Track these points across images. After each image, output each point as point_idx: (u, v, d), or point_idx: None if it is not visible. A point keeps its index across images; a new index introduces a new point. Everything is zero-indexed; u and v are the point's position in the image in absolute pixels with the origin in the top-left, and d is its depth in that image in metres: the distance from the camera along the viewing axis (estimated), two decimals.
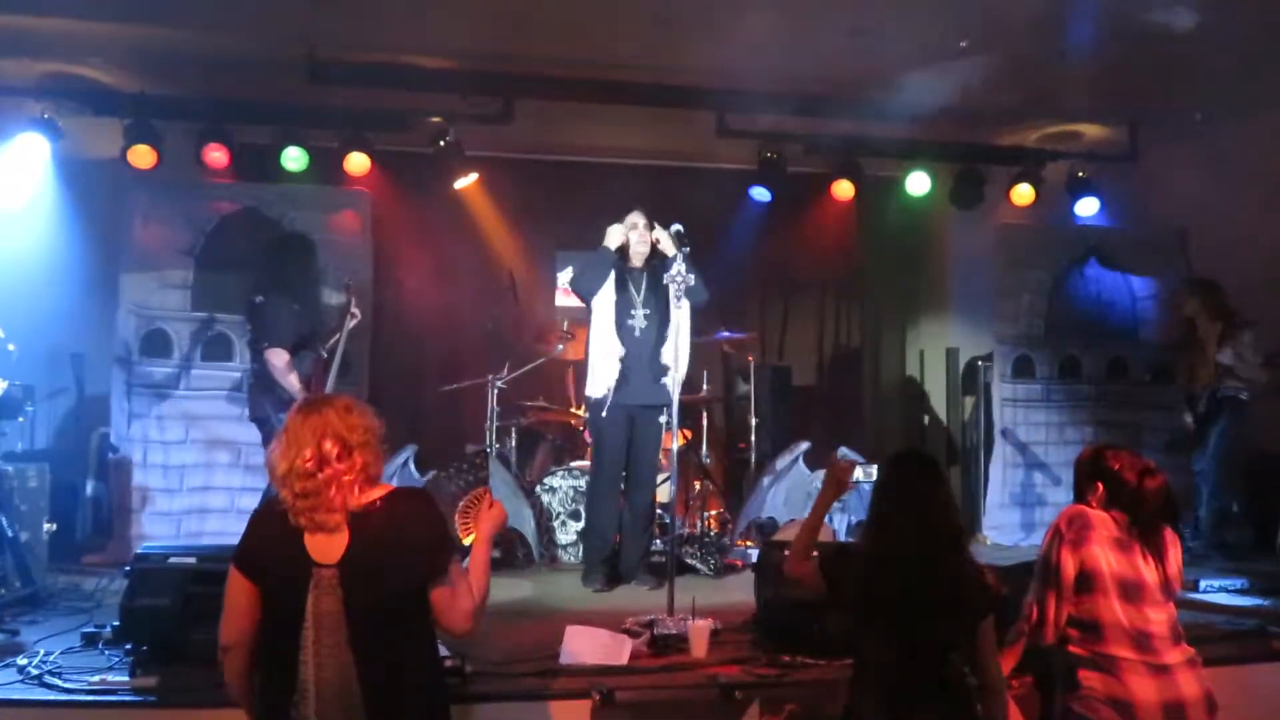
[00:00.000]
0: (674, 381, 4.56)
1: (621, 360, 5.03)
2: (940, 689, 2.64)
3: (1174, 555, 3.06)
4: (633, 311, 5.09)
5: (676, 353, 4.58)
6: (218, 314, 6.08)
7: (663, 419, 4.86)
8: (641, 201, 5.30)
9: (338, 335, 5.29)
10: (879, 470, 3.00)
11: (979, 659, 2.70)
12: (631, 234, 5.12)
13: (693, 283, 4.45)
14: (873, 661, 2.78)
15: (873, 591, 2.74)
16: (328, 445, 2.31)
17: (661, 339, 5.06)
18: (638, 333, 5.07)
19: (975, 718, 2.68)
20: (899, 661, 2.69)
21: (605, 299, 5.09)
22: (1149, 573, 2.99)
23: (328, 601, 2.26)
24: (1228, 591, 4.87)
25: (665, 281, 4.41)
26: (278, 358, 4.86)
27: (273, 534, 2.34)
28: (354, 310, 5.31)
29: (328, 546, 2.30)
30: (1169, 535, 3.07)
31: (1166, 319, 6.50)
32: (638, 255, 5.13)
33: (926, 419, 8.36)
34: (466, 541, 3.50)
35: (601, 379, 5.05)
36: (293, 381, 4.88)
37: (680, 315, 4.53)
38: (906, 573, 2.68)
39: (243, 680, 2.40)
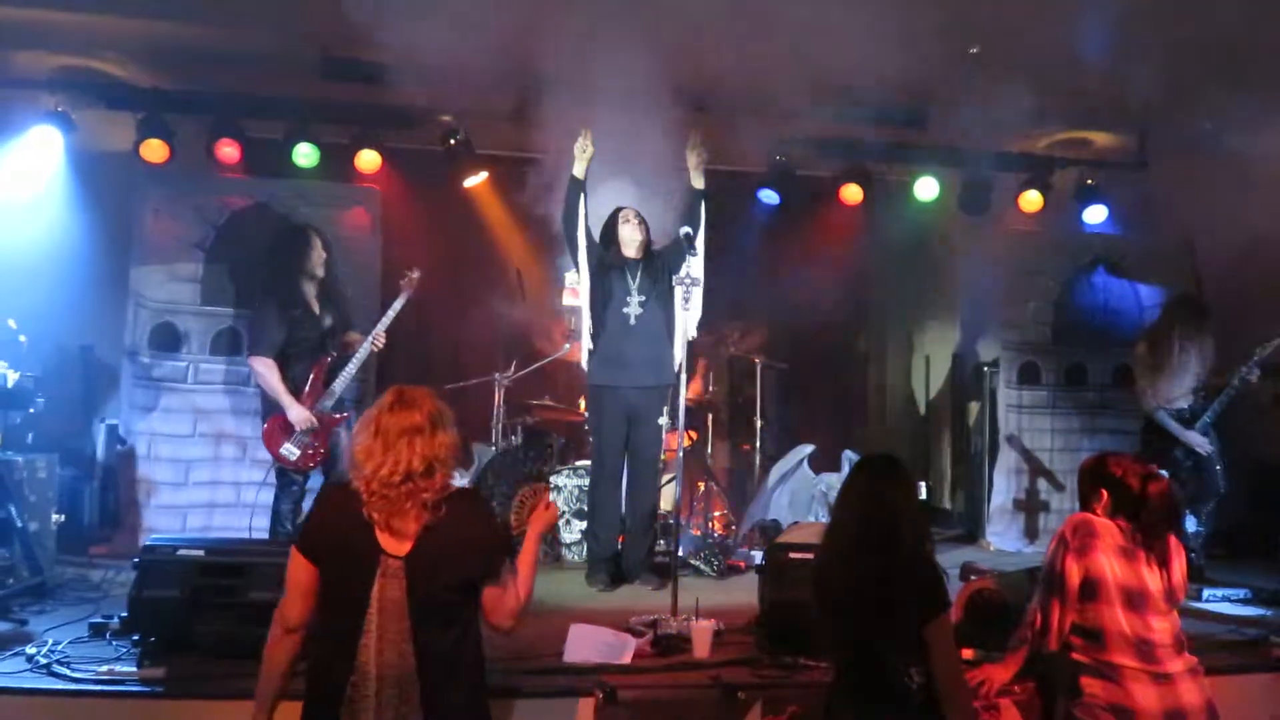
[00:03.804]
0: (680, 380, 4.59)
1: (615, 346, 5.06)
2: (894, 691, 2.63)
3: (1178, 564, 3.07)
4: (628, 299, 5.11)
5: (681, 351, 4.61)
6: (227, 308, 6.10)
7: (663, 420, 4.88)
8: (652, 201, 5.32)
9: (366, 336, 5.11)
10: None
11: (931, 662, 2.63)
12: (623, 227, 5.16)
13: (700, 283, 4.48)
14: (837, 663, 2.81)
15: (821, 592, 2.78)
16: (416, 463, 2.39)
17: (661, 328, 5.09)
18: (633, 320, 5.09)
19: None
20: (855, 663, 2.71)
21: (596, 286, 5.13)
22: (1153, 581, 3.00)
23: (393, 589, 2.38)
24: (1231, 601, 4.87)
25: (674, 284, 4.47)
26: (260, 365, 4.89)
27: (342, 520, 2.42)
28: (378, 336, 5.09)
29: (398, 539, 2.41)
30: (1174, 544, 3.08)
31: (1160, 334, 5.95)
32: (629, 244, 5.16)
33: (931, 423, 8.37)
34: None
35: (594, 365, 5.12)
36: (278, 388, 4.87)
37: (688, 316, 4.59)
38: (844, 573, 2.72)
39: (289, 665, 2.46)
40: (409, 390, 2.51)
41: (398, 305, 5.22)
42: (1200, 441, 5.46)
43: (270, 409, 4.98)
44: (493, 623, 2.54)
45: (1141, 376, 5.65)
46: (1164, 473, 3.23)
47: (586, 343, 5.19)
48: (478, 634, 2.52)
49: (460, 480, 5.66)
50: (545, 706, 3.31)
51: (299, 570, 2.44)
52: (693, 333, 5.01)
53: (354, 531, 2.40)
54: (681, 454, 4.49)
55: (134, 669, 3.37)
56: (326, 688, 2.38)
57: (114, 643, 3.69)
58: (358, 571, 2.39)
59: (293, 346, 5.00)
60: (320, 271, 5.16)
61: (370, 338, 5.10)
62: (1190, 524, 5.45)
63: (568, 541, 5.86)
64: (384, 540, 2.41)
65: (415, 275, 5.31)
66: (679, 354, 4.65)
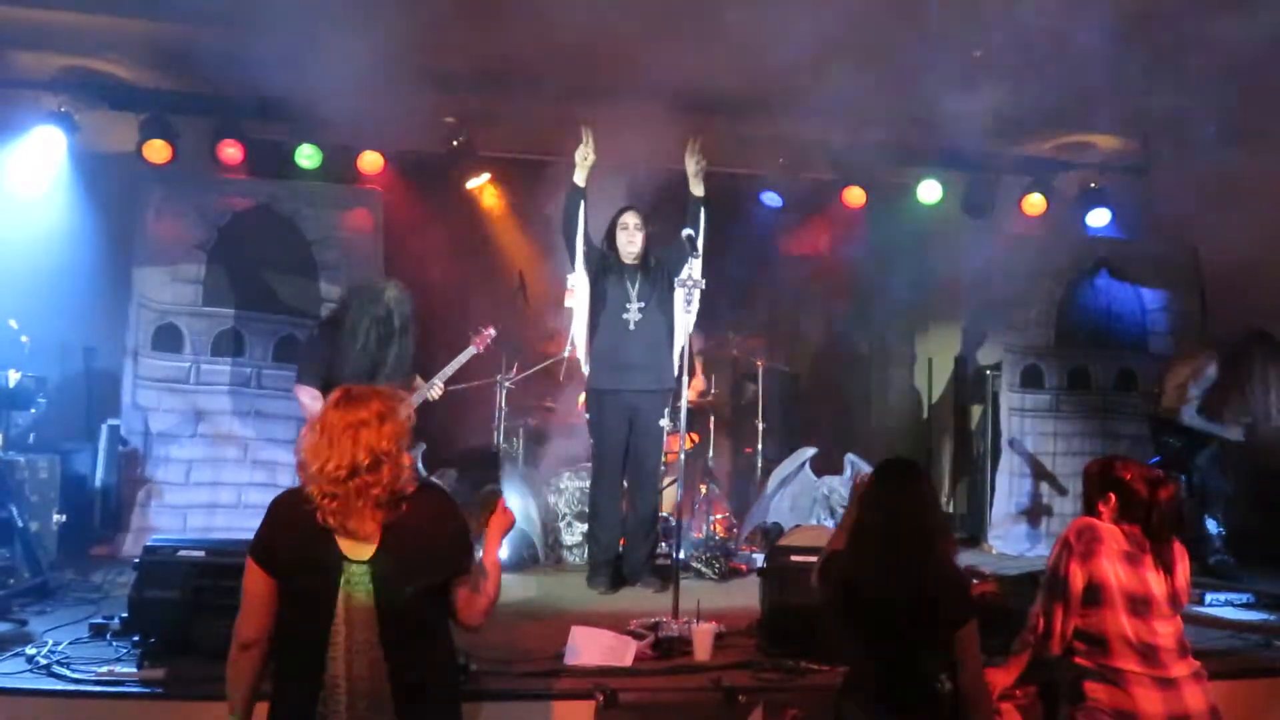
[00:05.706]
0: (682, 385, 4.58)
1: (615, 351, 5.06)
2: (922, 696, 2.63)
3: (1182, 569, 3.06)
4: (627, 305, 5.10)
5: (684, 354, 4.60)
6: (228, 309, 6.10)
7: (664, 423, 4.89)
8: (653, 205, 5.31)
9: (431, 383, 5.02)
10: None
11: (960, 666, 2.65)
12: (621, 233, 5.15)
13: (704, 286, 4.47)
14: (856, 666, 2.80)
15: (847, 596, 2.77)
16: (360, 456, 2.27)
17: (661, 332, 5.09)
18: (632, 325, 5.09)
19: None
20: (877, 667, 2.70)
21: (596, 291, 5.12)
22: (1157, 586, 2.99)
23: (359, 597, 2.27)
24: (1234, 606, 4.86)
25: (677, 286, 4.47)
26: (304, 394, 4.80)
27: (299, 528, 2.31)
28: (436, 386, 5.01)
29: (358, 543, 2.31)
30: (1178, 548, 3.07)
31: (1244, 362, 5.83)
32: (627, 252, 5.15)
33: (934, 427, 8.35)
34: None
35: (594, 368, 5.12)
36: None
37: (690, 318, 4.59)
38: (876, 578, 2.70)
39: (253, 680, 2.37)
40: (356, 388, 2.43)
41: (462, 358, 5.16)
42: (1236, 431, 5.67)
43: None
44: (463, 621, 2.45)
45: (1195, 387, 5.76)
46: (1181, 476, 3.24)
47: (584, 346, 5.17)
48: (449, 638, 2.46)
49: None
50: (545, 708, 3.30)
51: (256, 582, 2.32)
52: (684, 337, 5.02)
53: (312, 539, 2.29)
54: (683, 456, 4.49)
55: (134, 670, 3.37)
56: (295, 704, 2.27)
57: (114, 643, 3.69)
58: (320, 581, 2.27)
59: (341, 381, 4.88)
60: (391, 319, 4.90)
61: (429, 385, 5.06)
62: (1211, 526, 5.59)
63: (569, 544, 5.86)
64: (345, 546, 2.30)
65: (489, 333, 5.25)
66: (679, 357, 4.64)
